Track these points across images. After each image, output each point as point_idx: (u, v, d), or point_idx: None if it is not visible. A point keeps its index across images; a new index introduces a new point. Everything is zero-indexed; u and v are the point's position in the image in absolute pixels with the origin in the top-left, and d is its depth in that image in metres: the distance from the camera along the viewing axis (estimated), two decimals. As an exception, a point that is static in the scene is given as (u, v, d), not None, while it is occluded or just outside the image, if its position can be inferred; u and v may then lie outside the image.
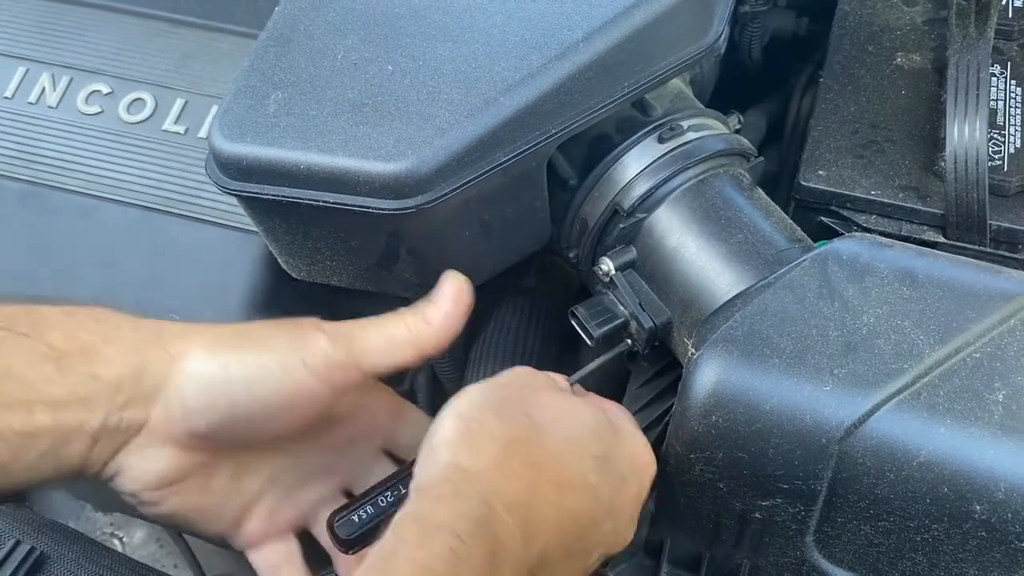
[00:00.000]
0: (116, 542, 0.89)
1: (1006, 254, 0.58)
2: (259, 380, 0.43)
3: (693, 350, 0.48)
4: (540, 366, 0.71)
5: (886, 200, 0.60)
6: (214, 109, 0.69)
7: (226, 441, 0.45)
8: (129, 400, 0.43)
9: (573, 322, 0.57)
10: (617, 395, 0.66)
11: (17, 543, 0.61)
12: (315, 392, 0.44)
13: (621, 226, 0.56)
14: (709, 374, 0.46)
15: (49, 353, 0.42)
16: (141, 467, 0.44)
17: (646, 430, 0.62)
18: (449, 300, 0.47)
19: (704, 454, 0.47)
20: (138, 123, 0.70)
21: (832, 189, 0.60)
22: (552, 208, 0.57)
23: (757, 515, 0.48)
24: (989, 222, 0.57)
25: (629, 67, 0.52)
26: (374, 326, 0.46)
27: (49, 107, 0.72)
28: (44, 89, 0.73)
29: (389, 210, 0.48)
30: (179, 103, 0.71)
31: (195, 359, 0.43)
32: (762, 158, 0.59)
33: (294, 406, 0.44)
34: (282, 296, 0.65)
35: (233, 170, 0.51)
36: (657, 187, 0.55)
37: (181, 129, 0.70)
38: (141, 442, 0.44)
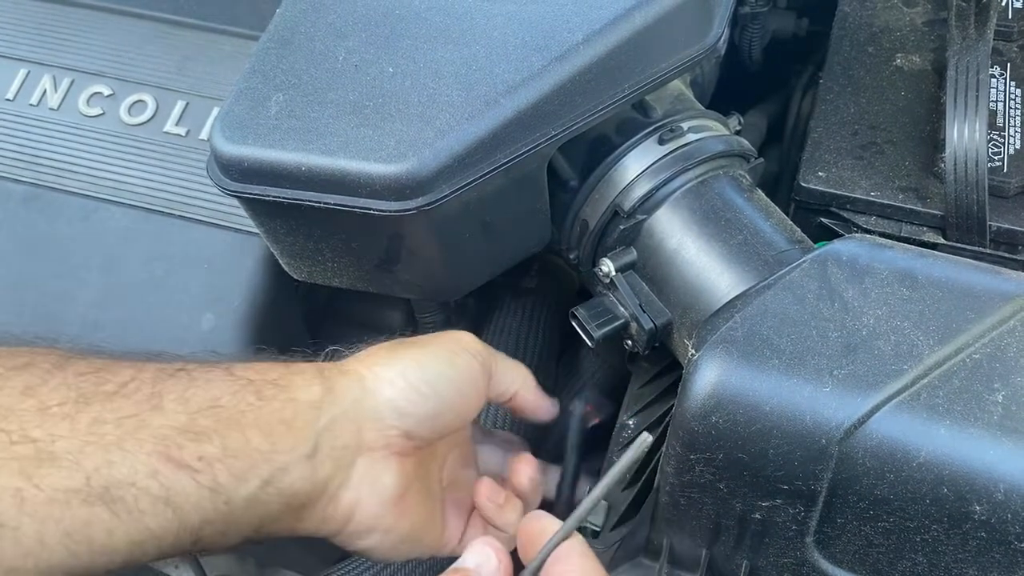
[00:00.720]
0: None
1: (1006, 255, 0.58)
2: (452, 374, 0.48)
3: (693, 351, 0.48)
4: (541, 367, 0.72)
5: (886, 201, 0.60)
6: (215, 111, 0.69)
7: (429, 436, 0.48)
8: (333, 420, 0.45)
9: (574, 323, 0.57)
10: (617, 395, 0.66)
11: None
12: (479, 374, 0.49)
13: (621, 227, 0.56)
14: (709, 375, 0.46)
15: (248, 384, 0.44)
16: (375, 485, 0.46)
17: (647, 431, 0.62)
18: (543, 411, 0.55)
19: (704, 455, 0.47)
20: (139, 125, 0.71)
21: (832, 190, 0.60)
22: (553, 209, 0.57)
23: (757, 516, 0.48)
24: (989, 223, 0.57)
25: (629, 69, 0.52)
26: (501, 355, 0.53)
27: (51, 109, 0.72)
28: (45, 91, 0.73)
29: (390, 211, 0.49)
30: (180, 105, 0.71)
31: (383, 369, 0.47)
32: (762, 159, 0.59)
33: (469, 387, 0.49)
34: (283, 297, 0.65)
35: (234, 172, 0.51)
36: (657, 188, 0.55)
37: (182, 131, 0.70)
38: (365, 461, 0.45)
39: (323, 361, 0.48)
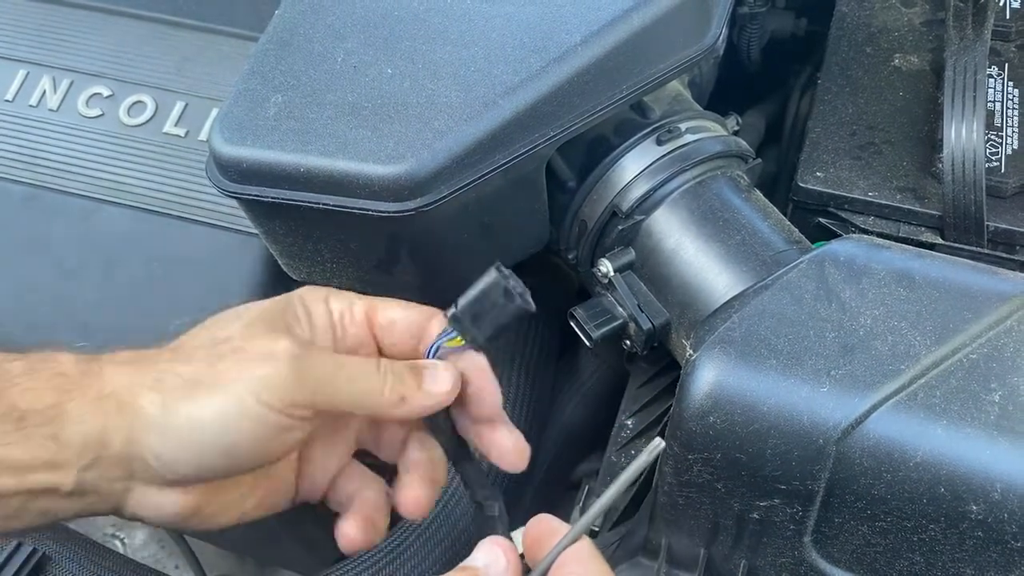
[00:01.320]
0: (117, 543, 0.89)
1: (1003, 255, 0.58)
2: (220, 424, 0.41)
3: (691, 351, 0.48)
4: (539, 368, 0.72)
5: (884, 202, 0.60)
6: (214, 112, 0.69)
7: (211, 477, 0.43)
8: (98, 460, 0.41)
9: (572, 324, 0.57)
10: (616, 396, 0.67)
11: (19, 545, 0.62)
12: (276, 424, 0.41)
13: (620, 228, 0.56)
14: (707, 375, 0.47)
15: (12, 413, 0.40)
16: (154, 511, 0.42)
17: (645, 431, 0.63)
18: (438, 382, 0.43)
19: (702, 455, 0.47)
20: (139, 126, 0.71)
21: (830, 191, 0.61)
22: (551, 210, 0.57)
23: (755, 515, 0.48)
24: (986, 223, 0.57)
25: (627, 70, 0.52)
26: (353, 365, 0.43)
27: (50, 110, 0.72)
28: (45, 92, 0.73)
29: (388, 212, 0.49)
30: (179, 106, 0.71)
31: (161, 415, 0.41)
32: (760, 160, 0.59)
33: (261, 439, 0.41)
34: (282, 298, 0.65)
35: (233, 173, 0.51)
36: (655, 189, 0.55)
37: (181, 132, 0.70)
38: (139, 494, 0.42)
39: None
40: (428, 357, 0.43)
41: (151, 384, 0.42)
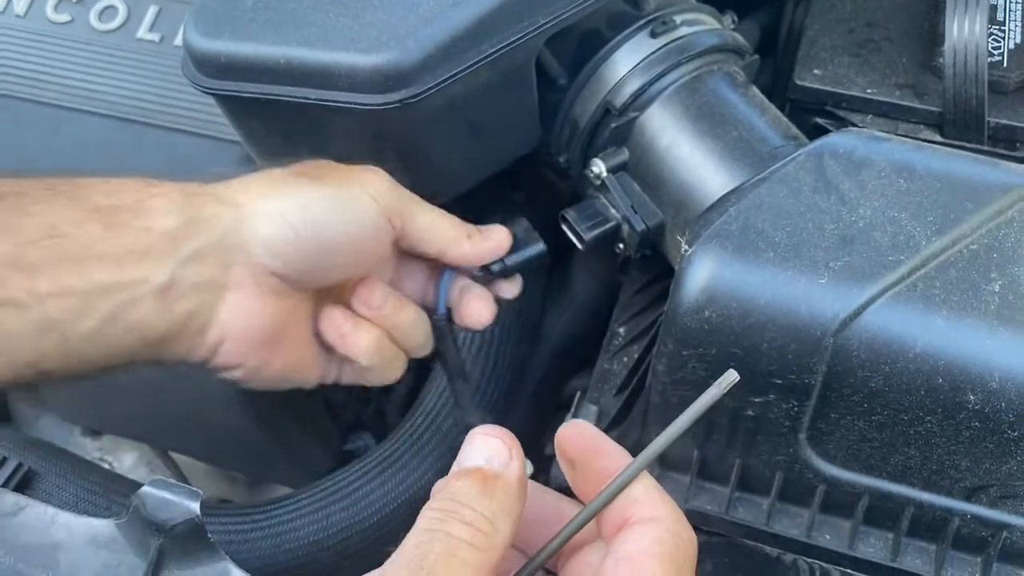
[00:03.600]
0: (105, 467, 0.89)
1: (1004, 152, 0.57)
2: (341, 217, 0.43)
3: (686, 246, 0.47)
4: (529, 282, 0.71)
5: (882, 99, 0.58)
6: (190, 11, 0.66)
7: (309, 282, 0.44)
8: (196, 253, 0.41)
9: (563, 226, 0.56)
10: (607, 310, 0.66)
11: (4, 459, 0.61)
12: (378, 223, 0.44)
13: (613, 125, 0.54)
14: (703, 269, 0.45)
15: (95, 211, 0.40)
16: (243, 324, 0.42)
17: (637, 338, 0.62)
18: (495, 231, 0.50)
19: (697, 350, 0.46)
20: (110, 32, 0.68)
21: (828, 88, 0.59)
22: (542, 111, 0.56)
23: (750, 412, 0.48)
24: (987, 119, 0.55)
25: (620, -44, 0.50)
26: (425, 204, 0.48)
27: (17, 16, 0.69)
28: (11, -3, 0.70)
29: (371, 105, 0.47)
30: (153, 10, 0.68)
31: (263, 202, 0.42)
32: (757, 56, 0.58)
33: (363, 235, 0.44)
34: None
35: (210, 68, 0.49)
36: (649, 84, 0.53)
37: (156, 37, 0.67)
38: (233, 297, 0.42)
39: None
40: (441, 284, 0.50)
41: (254, 181, 0.43)
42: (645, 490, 0.34)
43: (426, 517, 0.33)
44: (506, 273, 0.52)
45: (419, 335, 0.49)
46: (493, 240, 0.50)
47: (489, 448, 0.35)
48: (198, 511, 0.36)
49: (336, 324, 0.46)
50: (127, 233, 0.40)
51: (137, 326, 0.40)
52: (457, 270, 0.50)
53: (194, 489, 0.36)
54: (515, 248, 0.52)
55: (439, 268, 0.51)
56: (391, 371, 0.49)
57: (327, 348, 0.48)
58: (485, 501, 0.33)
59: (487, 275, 0.52)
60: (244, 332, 0.43)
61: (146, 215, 0.40)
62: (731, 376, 0.35)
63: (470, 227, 0.49)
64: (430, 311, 0.51)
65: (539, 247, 0.52)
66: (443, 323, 0.51)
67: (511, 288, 0.53)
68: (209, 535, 0.37)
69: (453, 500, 0.33)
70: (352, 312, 0.47)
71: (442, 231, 0.48)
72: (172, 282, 0.40)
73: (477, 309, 0.50)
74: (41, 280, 0.38)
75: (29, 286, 0.38)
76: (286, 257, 0.42)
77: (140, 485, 0.62)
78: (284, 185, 0.43)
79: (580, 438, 0.36)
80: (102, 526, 0.37)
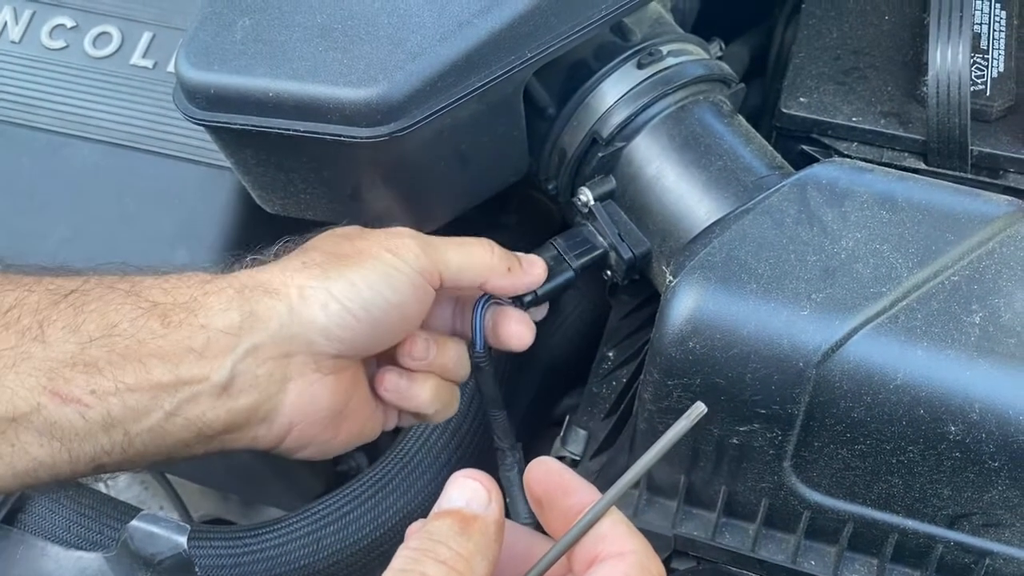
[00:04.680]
0: (101, 486, 0.89)
1: (987, 179, 0.57)
2: (391, 296, 0.44)
3: (671, 277, 0.47)
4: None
5: (867, 127, 0.59)
6: (181, 43, 0.67)
7: (365, 354, 0.45)
8: (255, 348, 0.41)
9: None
10: (598, 331, 0.66)
11: (-3, 483, 0.61)
12: (420, 288, 0.45)
13: (600, 155, 0.55)
14: (687, 300, 0.46)
15: (152, 308, 0.41)
16: (310, 409, 0.43)
17: (626, 362, 0.62)
18: (535, 265, 0.51)
19: (682, 380, 0.47)
20: (104, 58, 0.68)
21: (813, 116, 0.60)
22: (530, 139, 0.56)
23: (735, 441, 0.48)
24: (970, 147, 0.56)
25: (606, -11, 0.51)
26: (456, 243, 0.48)
27: (12, 42, 0.70)
28: (6, 24, 0.70)
29: (361, 138, 0.47)
30: (146, 37, 0.69)
31: (311, 291, 0.43)
32: (743, 85, 0.58)
33: (408, 302, 0.45)
34: (257, 232, 0.64)
35: (201, 99, 0.50)
36: (636, 114, 0.54)
37: (149, 63, 0.68)
38: (297, 386, 0.43)
39: (244, 268, 0.45)
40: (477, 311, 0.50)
41: (297, 268, 0.44)
42: (613, 525, 0.35)
43: (401, 557, 0.33)
44: (537, 303, 0.52)
45: (466, 366, 0.50)
46: (532, 275, 0.50)
47: (469, 490, 0.35)
48: (186, 545, 0.36)
49: (394, 384, 0.47)
50: (184, 330, 0.41)
51: (197, 420, 0.41)
52: (490, 300, 0.50)
53: (181, 523, 0.36)
54: (547, 278, 0.52)
55: (465, 301, 0.52)
56: (450, 408, 0.50)
57: (384, 402, 0.49)
58: (462, 540, 0.33)
59: (518, 305, 0.51)
60: (312, 416, 0.44)
61: (203, 313, 0.41)
62: (699, 408, 0.36)
63: (511, 258, 0.49)
64: (461, 337, 0.51)
65: (569, 275, 0.53)
66: (481, 358, 0.50)
67: (539, 312, 0.54)
68: (201, 559, 0.37)
69: (430, 539, 0.33)
70: (403, 368, 0.48)
71: (478, 267, 0.48)
72: (232, 378, 0.41)
73: (519, 332, 0.51)
74: (103, 379, 0.39)
75: (92, 385, 0.39)
76: (343, 340, 0.43)
77: (132, 508, 0.62)
78: (328, 269, 0.44)
79: (547, 476, 0.37)
80: (90, 559, 0.38)
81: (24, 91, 0.68)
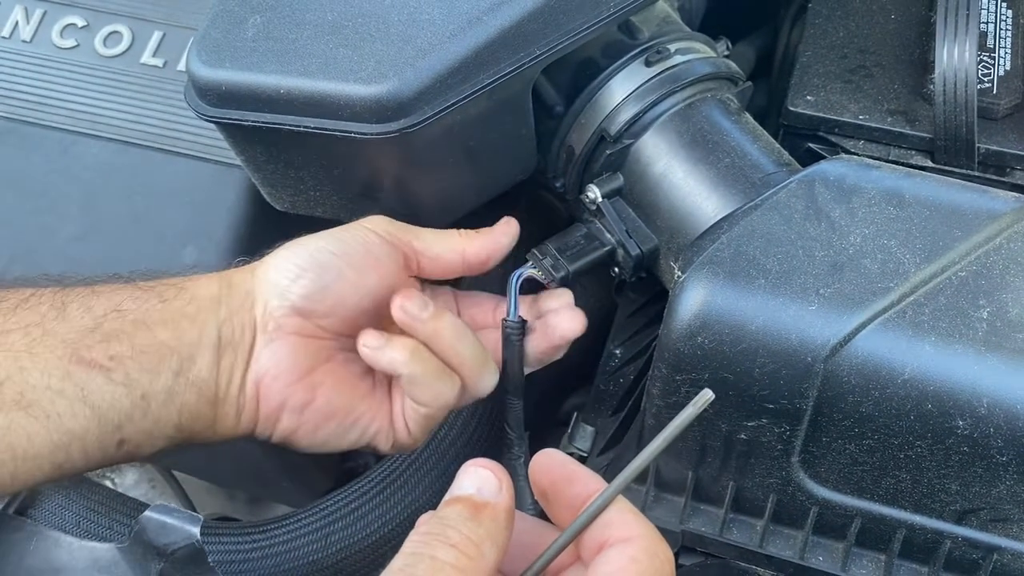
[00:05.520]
0: (107, 483, 0.90)
1: (994, 177, 0.57)
2: (337, 247, 0.47)
3: (679, 273, 0.47)
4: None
5: (874, 125, 0.59)
6: (192, 40, 0.67)
7: (326, 311, 0.47)
8: (231, 311, 0.46)
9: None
10: (605, 330, 0.66)
11: (7, 478, 0.61)
12: (387, 253, 0.48)
13: (608, 152, 0.55)
14: (695, 296, 0.46)
15: (150, 289, 0.46)
16: (274, 362, 0.46)
17: (633, 359, 0.63)
18: (500, 226, 0.52)
19: (690, 375, 0.47)
20: (115, 57, 0.69)
21: (820, 114, 0.60)
22: (538, 136, 0.56)
23: (743, 436, 0.48)
24: (977, 145, 0.56)
25: (615, -13, 0.51)
26: (426, 229, 0.51)
27: (23, 42, 0.70)
28: (17, 23, 0.71)
29: (371, 134, 0.48)
30: (157, 36, 0.69)
31: (274, 257, 0.48)
32: (750, 83, 0.58)
33: (364, 259, 0.47)
34: (266, 230, 0.64)
35: (212, 96, 0.50)
36: (644, 112, 0.54)
37: (159, 62, 0.68)
38: (261, 341, 0.47)
39: None
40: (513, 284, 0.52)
41: (264, 257, 0.48)
42: (619, 512, 0.35)
43: (412, 541, 0.33)
44: (567, 281, 0.53)
45: (460, 342, 0.49)
46: (503, 225, 0.52)
47: (480, 478, 0.36)
48: (198, 536, 0.37)
49: (373, 338, 0.47)
50: (178, 302, 0.46)
51: (197, 379, 0.45)
52: (525, 270, 0.52)
53: (194, 514, 0.37)
54: (579, 254, 0.53)
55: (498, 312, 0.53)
56: (441, 388, 0.48)
57: (380, 390, 0.50)
58: (472, 526, 0.34)
59: (555, 282, 0.53)
60: (275, 370, 0.47)
61: (192, 287, 0.47)
62: (706, 395, 0.36)
63: (464, 231, 0.52)
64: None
65: (599, 252, 0.54)
66: (513, 329, 0.51)
67: (573, 321, 0.54)
68: (210, 554, 0.37)
69: (441, 524, 0.34)
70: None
71: (453, 240, 0.50)
72: (218, 338, 0.46)
73: (568, 318, 0.52)
74: (119, 345, 0.44)
75: (111, 351, 0.43)
76: (297, 295, 0.47)
77: (142, 505, 0.63)
78: (297, 241, 0.48)
79: (551, 467, 0.37)
80: (104, 550, 0.38)
81: (35, 90, 0.68)
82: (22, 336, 0.42)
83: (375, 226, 0.49)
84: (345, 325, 0.48)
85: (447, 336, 0.48)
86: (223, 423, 0.47)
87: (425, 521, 0.34)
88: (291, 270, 0.47)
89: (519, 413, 0.53)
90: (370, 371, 0.50)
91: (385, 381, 0.50)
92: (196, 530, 0.36)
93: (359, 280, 0.47)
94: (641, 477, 0.54)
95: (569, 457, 0.38)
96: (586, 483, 0.37)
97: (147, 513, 0.37)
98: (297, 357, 0.47)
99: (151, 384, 0.44)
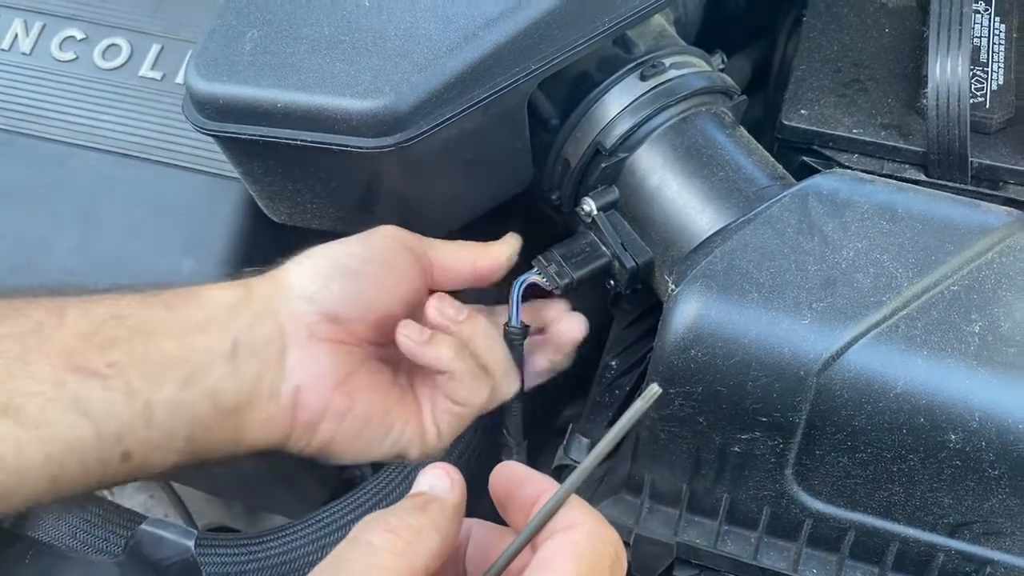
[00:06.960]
0: (106, 494, 0.90)
1: (987, 191, 0.58)
2: (367, 253, 0.47)
3: (673, 286, 0.48)
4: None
5: (868, 139, 0.59)
6: (191, 54, 0.68)
7: (356, 316, 0.47)
8: (253, 318, 0.45)
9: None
10: (600, 340, 0.67)
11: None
12: (409, 261, 0.48)
13: (603, 165, 0.55)
14: (688, 309, 0.46)
15: (155, 297, 0.45)
16: (311, 369, 0.45)
17: (629, 371, 0.63)
18: (507, 239, 0.53)
19: (684, 388, 0.47)
20: (114, 69, 0.69)
21: (814, 128, 0.60)
22: (534, 149, 0.57)
23: (736, 449, 0.48)
24: (970, 159, 0.57)
25: (610, 2, 0.52)
26: (445, 243, 0.51)
27: (23, 54, 0.71)
28: (17, 35, 0.71)
29: (367, 148, 0.48)
30: (155, 49, 0.69)
31: (296, 265, 0.47)
32: (745, 97, 0.59)
33: (387, 264, 0.47)
34: (264, 242, 0.64)
35: (210, 110, 0.51)
36: (639, 125, 0.54)
37: (158, 75, 0.69)
38: (295, 350, 0.45)
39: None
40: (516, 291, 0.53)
41: (282, 265, 0.47)
42: (564, 506, 0.36)
43: (354, 528, 0.34)
44: (572, 288, 0.54)
45: (498, 352, 0.50)
46: (509, 239, 0.53)
47: (433, 476, 0.37)
48: (193, 549, 0.37)
49: (414, 331, 0.47)
50: (186, 309, 0.44)
51: (210, 390, 0.43)
52: (528, 277, 0.53)
53: (189, 528, 0.37)
54: (584, 261, 0.54)
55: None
56: (479, 387, 0.48)
57: (409, 395, 0.49)
58: (416, 514, 0.35)
59: (558, 291, 0.54)
60: (315, 377, 0.45)
61: (204, 295, 0.45)
62: (653, 390, 0.37)
63: (474, 244, 0.52)
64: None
65: (603, 260, 0.55)
66: (516, 334, 0.52)
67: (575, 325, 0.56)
68: (206, 566, 0.37)
69: (385, 513, 0.35)
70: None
71: (462, 247, 0.51)
72: (235, 347, 0.44)
73: (571, 322, 0.54)
74: (117, 353, 0.41)
75: (108, 359, 0.41)
76: (323, 301, 0.46)
77: (139, 517, 0.63)
78: (316, 249, 0.48)
79: (506, 476, 0.38)
80: (100, 564, 0.38)
81: (34, 102, 0.69)
82: (15, 343, 0.40)
83: (392, 235, 0.49)
84: (373, 331, 0.47)
85: (481, 338, 0.49)
86: (250, 434, 0.45)
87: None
88: (318, 276, 0.46)
89: (519, 418, 0.54)
90: (398, 378, 0.50)
91: (411, 387, 0.50)
92: (191, 544, 0.36)
93: (390, 285, 0.47)
94: (636, 488, 0.55)
95: (523, 465, 0.39)
96: (536, 483, 0.37)
97: (143, 527, 0.37)
98: (335, 363, 0.46)
99: (154, 393, 0.41)
